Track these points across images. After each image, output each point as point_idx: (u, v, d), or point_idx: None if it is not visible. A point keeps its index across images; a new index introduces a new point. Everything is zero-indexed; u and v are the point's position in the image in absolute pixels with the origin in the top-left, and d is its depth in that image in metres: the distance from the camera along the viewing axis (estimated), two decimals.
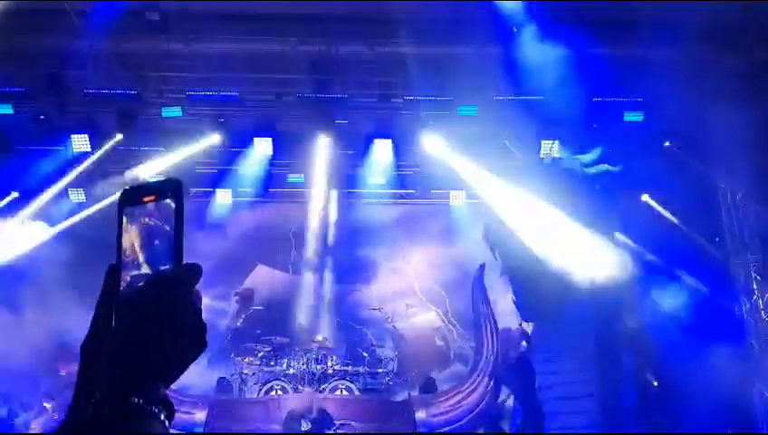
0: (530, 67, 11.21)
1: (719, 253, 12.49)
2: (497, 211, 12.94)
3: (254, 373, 12.75)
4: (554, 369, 12.09)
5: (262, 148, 12.65)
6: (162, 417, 1.07)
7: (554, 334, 12.28)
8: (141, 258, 1.13)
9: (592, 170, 12.35)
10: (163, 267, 1.13)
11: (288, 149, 13.12)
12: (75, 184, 12.88)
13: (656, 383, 12.01)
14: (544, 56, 11.07)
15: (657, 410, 11.41)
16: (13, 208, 12.43)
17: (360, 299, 14.49)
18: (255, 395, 12.40)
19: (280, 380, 12.44)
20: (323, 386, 12.34)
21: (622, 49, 11.22)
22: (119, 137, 12.35)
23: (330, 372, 12.64)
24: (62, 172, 12.57)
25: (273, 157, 12.98)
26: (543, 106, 11.62)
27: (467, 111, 12.02)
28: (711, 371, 10.74)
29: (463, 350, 14.15)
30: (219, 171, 13.63)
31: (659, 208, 12.92)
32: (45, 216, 12.85)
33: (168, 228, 1.13)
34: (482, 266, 13.62)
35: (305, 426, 10.77)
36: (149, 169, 12.46)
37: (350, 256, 14.44)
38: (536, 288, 12.03)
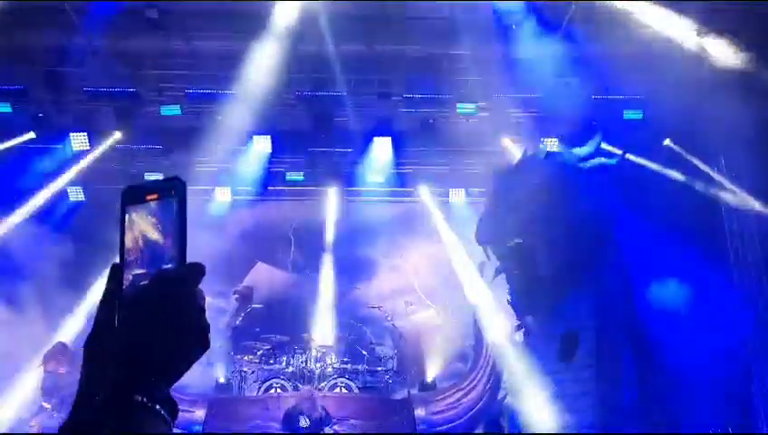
0: (529, 65, 11.21)
1: (719, 251, 12.49)
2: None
3: (253, 371, 12.76)
4: (550, 368, 12.06)
5: (261, 146, 12.66)
6: (165, 415, 1.06)
7: (552, 333, 12.25)
8: (144, 257, 1.13)
9: (588, 164, 12.33)
10: (166, 266, 1.12)
11: (287, 147, 13.12)
12: (74, 182, 12.87)
13: (654, 380, 12.02)
14: (544, 54, 11.06)
15: (657, 407, 11.41)
16: (12, 207, 12.41)
17: (359, 297, 14.49)
18: (255, 393, 12.40)
19: (279, 378, 12.44)
20: (322, 384, 12.34)
21: (622, 47, 11.20)
22: (117, 135, 12.34)
23: (329, 370, 12.65)
24: (60, 170, 12.55)
25: (273, 155, 12.98)
26: (543, 104, 11.62)
27: (466, 109, 12.02)
28: (710, 368, 10.75)
29: (462, 348, 14.16)
30: (218, 169, 13.62)
31: (658, 206, 12.91)
32: (44, 214, 12.84)
33: (170, 227, 1.13)
34: (481, 264, 13.62)
35: (304, 424, 10.77)
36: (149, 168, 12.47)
37: (349, 254, 14.45)
38: (531, 287, 11.98)
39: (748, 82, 10.34)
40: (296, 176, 13.82)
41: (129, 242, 1.14)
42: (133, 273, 1.13)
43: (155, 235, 1.13)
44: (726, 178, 12.32)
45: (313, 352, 12.77)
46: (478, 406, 12.34)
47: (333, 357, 12.91)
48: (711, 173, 12.38)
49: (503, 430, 12.24)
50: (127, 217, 1.14)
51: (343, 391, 12.41)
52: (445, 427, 12.13)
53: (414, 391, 12.87)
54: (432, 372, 13.50)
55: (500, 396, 12.45)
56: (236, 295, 14.38)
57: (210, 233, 13.47)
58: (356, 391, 12.48)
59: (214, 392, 12.52)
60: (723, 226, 12.51)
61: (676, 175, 12.47)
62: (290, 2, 10.80)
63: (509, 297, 12.24)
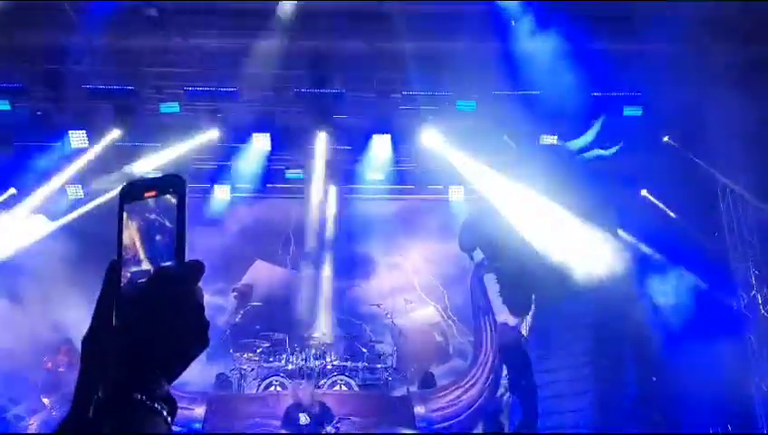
0: (528, 62, 11.20)
1: (718, 248, 12.50)
2: (496, 206, 12.90)
3: (252, 369, 12.75)
4: (549, 367, 12.06)
5: (260, 143, 12.64)
6: (165, 414, 1.06)
7: (549, 331, 12.26)
8: (142, 255, 1.12)
9: (586, 155, 12.30)
10: (165, 264, 1.12)
11: (286, 145, 13.11)
12: (73, 180, 12.85)
13: (654, 378, 12.02)
14: (543, 51, 11.05)
15: (656, 406, 11.42)
16: (11, 205, 12.40)
17: (358, 295, 14.49)
18: (254, 391, 12.40)
19: (279, 375, 12.44)
20: (322, 382, 12.34)
21: (621, 43, 11.20)
22: (116, 133, 12.32)
23: (328, 367, 12.65)
24: (59, 168, 12.54)
25: (272, 152, 12.96)
26: (542, 101, 11.60)
27: (466, 106, 12.01)
28: (710, 366, 10.74)
29: (462, 345, 14.18)
30: (217, 167, 13.62)
31: (658, 203, 12.93)
32: (44, 212, 12.83)
33: (169, 224, 1.12)
34: (482, 261, 13.62)
35: (304, 421, 10.77)
36: (148, 165, 12.44)
37: (348, 251, 14.45)
38: (525, 286, 11.96)
39: (748, 77, 10.34)
40: (295, 174, 13.80)
41: (127, 239, 1.13)
42: (131, 270, 1.12)
43: (154, 232, 1.12)
44: (725, 174, 12.31)
45: (313, 350, 12.77)
46: (478, 403, 12.34)
47: (333, 355, 12.90)
48: (710, 169, 12.37)
49: (502, 427, 12.24)
50: (125, 214, 1.13)
51: (343, 388, 12.41)
52: (444, 424, 12.13)
53: (413, 389, 12.87)
54: (431, 369, 13.50)
55: (499, 393, 12.46)
56: (236, 293, 14.37)
57: (209, 231, 13.49)
58: (356, 388, 12.48)
59: (213, 390, 12.52)
60: (722, 223, 12.50)
61: (675, 171, 12.45)
62: (289, 0, 10.79)
63: (501, 298, 12.18)
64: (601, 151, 12.09)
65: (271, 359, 12.77)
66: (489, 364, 12.63)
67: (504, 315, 12.95)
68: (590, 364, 11.77)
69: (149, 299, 1.09)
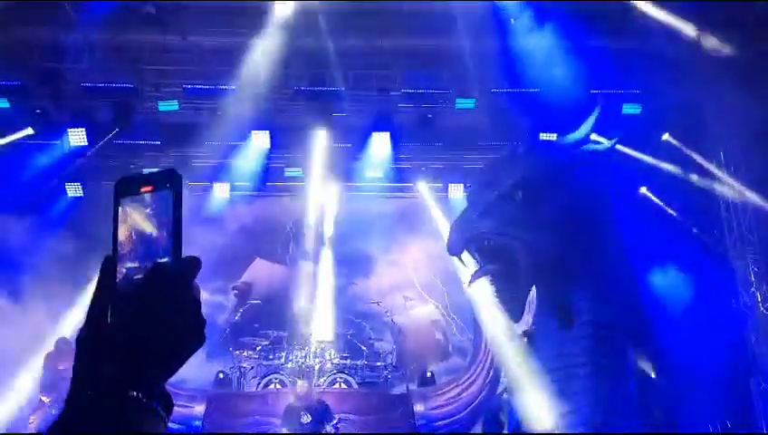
0: (527, 59, 11.18)
1: (717, 246, 12.49)
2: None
3: (252, 367, 12.76)
4: (548, 366, 12.02)
5: (259, 141, 12.62)
6: (161, 411, 1.05)
7: (547, 330, 12.22)
8: (138, 251, 1.11)
9: (584, 148, 12.25)
10: (161, 260, 1.10)
11: (286, 143, 13.10)
12: (72, 178, 12.84)
13: (654, 375, 12.02)
14: (542, 49, 11.03)
15: (656, 404, 11.41)
16: (10, 203, 12.38)
17: (358, 292, 14.49)
18: (254, 389, 12.40)
19: (278, 373, 12.44)
20: (322, 380, 12.35)
21: (620, 41, 11.19)
22: (115, 131, 12.30)
23: (328, 365, 12.65)
24: (58, 166, 12.52)
25: (271, 150, 12.94)
26: (541, 98, 11.59)
27: (465, 104, 12.00)
28: (709, 363, 10.75)
29: (462, 343, 14.18)
30: (217, 165, 13.60)
31: (658, 201, 12.92)
32: (43, 210, 12.82)
33: (165, 220, 1.11)
34: (475, 263, 13.57)
35: (304, 419, 10.76)
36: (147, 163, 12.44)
37: (348, 249, 14.44)
38: (521, 287, 11.89)
39: (748, 75, 10.32)
40: (295, 171, 13.79)
41: (122, 235, 1.12)
42: (127, 266, 1.11)
43: (149, 228, 1.11)
44: (725, 171, 12.30)
45: (312, 348, 12.77)
46: (477, 401, 12.34)
47: (332, 352, 12.90)
48: (710, 167, 12.37)
49: (502, 425, 12.23)
50: (121, 209, 1.12)
51: (342, 386, 12.42)
52: (444, 422, 12.13)
53: (413, 387, 12.87)
54: (431, 367, 13.50)
55: (499, 391, 12.45)
56: (235, 291, 14.38)
57: (209, 229, 13.47)
58: (355, 386, 12.48)
59: (213, 388, 12.51)
60: (721, 220, 12.50)
61: (674, 169, 12.45)
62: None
63: (497, 298, 12.08)
64: (597, 146, 12.02)
65: (270, 357, 12.77)
66: (489, 362, 12.62)
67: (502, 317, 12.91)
68: (588, 363, 11.73)
69: (145, 296, 1.08)
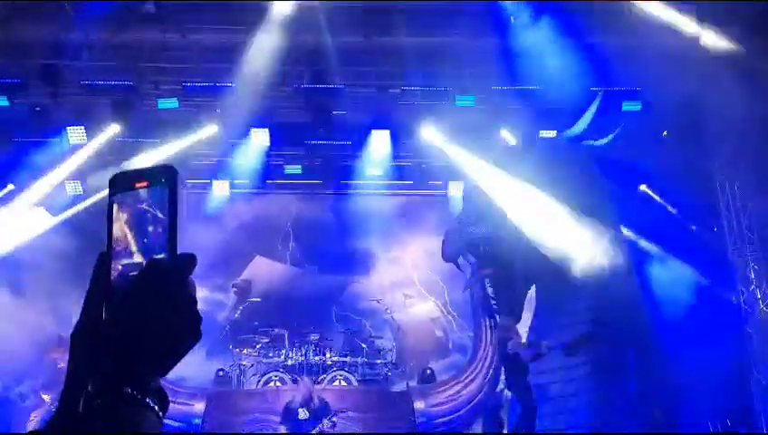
0: (527, 57, 11.17)
1: (717, 243, 12.49)
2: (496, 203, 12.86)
3: (252, 365, 12.76)
4: (547, 366, 12.02)
5: (259, 139, 12.61)
6: (156, 408, 1.05)
7: (547, 330, 12.22)
8: (133, 247, 1.10)
9: (581, 145, 12.25)
10: (157, 256, 1.10)
11: (285, 141, 13.08)
12: (72, 176, 12.83)
13: (653, 374, 12.02)
14: (542, 46, 11.02)
15: (656, 402, 11.42)
16: (9, 201, 12.38)
17: (358, 290, 14.49)
18: (254, 386, 12.40)
19: (278, 371, 12.44)
20: (322, 377, 12.35)
21: (620, 38, 11.16)
22: (115, 128, 12.29)
23: (328, 362, 12.65)
24: (58, 164, 12.51)
25: (271, 148, 12.93)
26: (541, 96, 11.58)
27: (465, 102, 11.99)
28: (709, 361, 10.75)
29: (461, 340, 14.17)
30: (216, 163, 13.59)
31: (658, 198, 12.91)
32: (43, 208, 12.82)
33: (161, 216, 1.10)
34: (472, 267, 13.56)
35: (303, 416, 10.77)
36: (147, 161, 12.41)
37: (348, 247, 14.43)
38: (519, 289, 11.88)
39: (748, 72, 10.31)
40: (294, 169, 13.77)
41: (117, 231, 1.11)
42: (122, 263, 1.10)
43: (144, 223, 1.10)
44: (725, 169, 12.29)
45: (312, 346, 12.77)
46: (477, 398, 12.33)
47: (332, 350, 12.91)
48: (710, 164, 12.36)
49: (502, 422, 12.24)
50: (115, 205, 1.11)
51: (342, 383, 12.42)
52: (444, 419, 12.13)
53: (413, 384, 12.87)
54: (431, 364, 13.50)
55: (499, 388, 12.45)
56: (235, 289, 14.37)
57: (208, 227, 13.48)
58: (355, 383, 12.48)
59: (213, 386, 12.52)
60: (721, 218, 12.49)
61: (674, 166, 12.43)
62: None
63: (495, 300, 12.05)
64: (595, 142, 12.02)
65: (270, 354, 12.78)
66: (489, 360, 12.62)
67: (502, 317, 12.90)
68: (588, 363, 11.74)
69: (140, 292, 1.07)
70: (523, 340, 11.98)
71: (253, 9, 11.03)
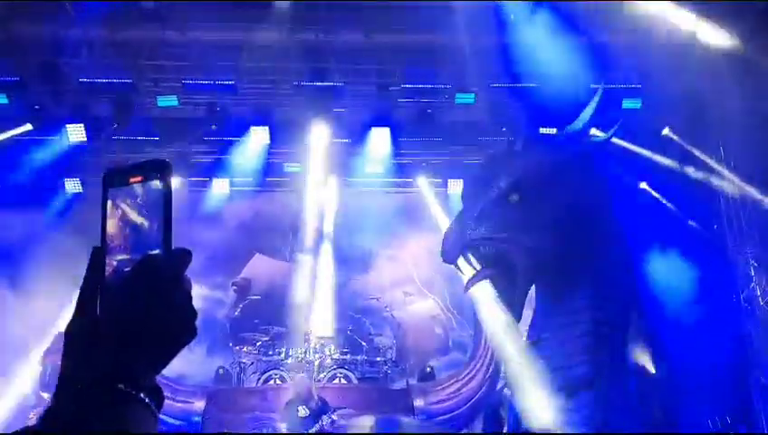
0: (527, 54, 11.15)
1: (717, 240, 12.47)
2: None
3: (252, 363, 12.77)
4: (547, 364, 11.99)
5: (259, 137, 12.60)
6: (151, 404, 1.04)
7: (546, 329, 12.19)
8: (127, 243, 1.09)
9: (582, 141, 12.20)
10: (151, 252, 1.09)
11: (285, 138, 13.07)
12: (71, 174, 12.82)
13: (654, 372, 12.01)
14: (541, 43, 11.00)
15: (656, 402, 11.41)
16: (9, 199, 12.37)
17: (358, 288, 14.50)
18: (254, 384, 12.41)
19: (278, 369, 12.45)
20: (321, 375, 12.36)
21: (620, 35, 11.15)
22: (114, 126, 12.28)
23: (328, 360, 12.66)
24: (57, 162, 12.50)
25: (271, 146, 12.92)
26: (541, 93, 11.56)
27: (465, 99, 11.98)
28: (709, 359, 10.75)
29: (461, 338, 14.18)
30: (216, 161, 13.58)
31: (658, 196, 12.90)
32: (43, 206, 12.81)
33: (155, 211, 1.09)
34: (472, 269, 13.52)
35: (303, 414, 10.76)
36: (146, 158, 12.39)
37: (348, 245, 14.44)
38: (520, 289, 11.84)
39: (748, 69, 10.30)
40: (294, 167, 13.76)
41: (111, 227, 1.10)
42: (116, 259, 1.09)
43: (139, 219, 1.09)
44: (725, 166, 12.28)
45: (312, 343, 12.78)
46: (477, 396, 12.34)
47: (332, 348, 12.91)
48: (710, 161, 12.34)
49: (502, 420, 12.23)
50: (110, 200, 1.10)
51: (342, 381, 12.43)
52: (444, 417, 12.13)
53: (413, 382, 12.87)
54: (431, 362, 13.51)
55: (499, 386, 12.44)
56: (235, 287, 14.38)
57: (208, 225, 13.47)
58: (355, 381, 12.49)
59: (213, 384, 12.53)
60: (721, 214, 12.47)
61: (674, 163, 12.43)
62: None
63: (496, 301, 12.00)
64: (594, 138, 11.97)
65: (270, 352, 12.78)
66: (489, 357, 12.61)
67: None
68: (589, 362, 11.72)
69: (135, 288, 1.07)
70: (524, 338, 11.96)
71: (253, 6, 11.01)
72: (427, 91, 12.17)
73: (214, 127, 12.44)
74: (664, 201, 12.82)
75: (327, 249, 14.44)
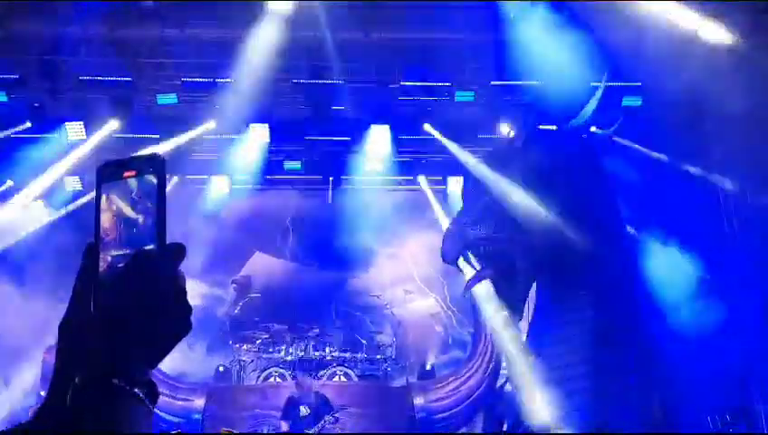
0: (526, 52, 11.13)
1: (717, 241, 12.46)
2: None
3: (252, 360, 12.78)
4: (547, 363, 11.99)
5: (258, 134, 12.59)
6: (145, 399, 1.04)
7: (546, 328, 12.19)
8: (122, 237, 1.09)
9: (583, 136, 12.20)
10: (145, 247, 1.08)
11: (285, 136, 13.06)
12: (71, 172, 12.82)
13: (653, 372, 12.01)
14: (541, 41, 10.98)
15: (655, 399, 11.41)
16: (8, 198, 12.37)
17: (358, 286, 14.50)
18: (254, 382, 12.42)
19: (278, 366, 12.47)
20: (322, 372, 12.37)
21: (620, 32, 11.13)
22: (114, 124, 12.27)
23: (328, 358, 12.67)
24: (57, 160, 12.50)
25: (270, 144, 12.91)
26: (541, 91, 11.55)
27: (464, 97, 11.97)
28: (709, 360, 10.73)
29: (461, 336, 14.18)
30: (215, 158, 13.57)
31: (657, 195, 12.87)
32: (42, 204, 12.81)
33: (150, 206, 1.08)
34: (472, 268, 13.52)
35: (304, 412, 10.77)
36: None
37: (348, 242, 14.42)
38: (520, 287, 11.83)
39: (749, 67, 10.28)
40: (294, 165, 13.76)
41: (106, 222, 1.09)
42: (111, 254, 1.09)
43: (133, 214, 1.09)
44: (725, 164, 12.26)
45: (312, 341, 12.79)
46: (477, 393, 12.35)
47: (332, 346, 12.94)
48: (710, 160, 12.33)
49: (502, 418, 12.25)
50: (103, 195, 1.10)
51: (342, 379, 12.43)
52: (444, 414, 12.14)
53: (413, 379, 12.88)
54: (431, 359, 13.52)
55: (499, 384, 12.46)
56: (235, 285, 14.38)
57: (208, 223, 13.47)
58: (355, 379, 12.50)
59: (213, 381, 12.54)
60: (721, 215, 12.46)
61: (674, 161, 12.42)
62: None
63: (500, 303, 11.97)
64: (596, 132, 11.96)
65: (270, 350, 12.79)
66: (488, 355, 12.62)
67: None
68: (589, 362, 11.71)
69: (129, 283, 1.06)
70: (524, 337, 11.98)
71: (252, 4, 10.99)
72: (427, 88, 12.16)
73: (214, 125, 12.43)
74: (664, 199, 12.80)
75: (327, 247, 14.43)
